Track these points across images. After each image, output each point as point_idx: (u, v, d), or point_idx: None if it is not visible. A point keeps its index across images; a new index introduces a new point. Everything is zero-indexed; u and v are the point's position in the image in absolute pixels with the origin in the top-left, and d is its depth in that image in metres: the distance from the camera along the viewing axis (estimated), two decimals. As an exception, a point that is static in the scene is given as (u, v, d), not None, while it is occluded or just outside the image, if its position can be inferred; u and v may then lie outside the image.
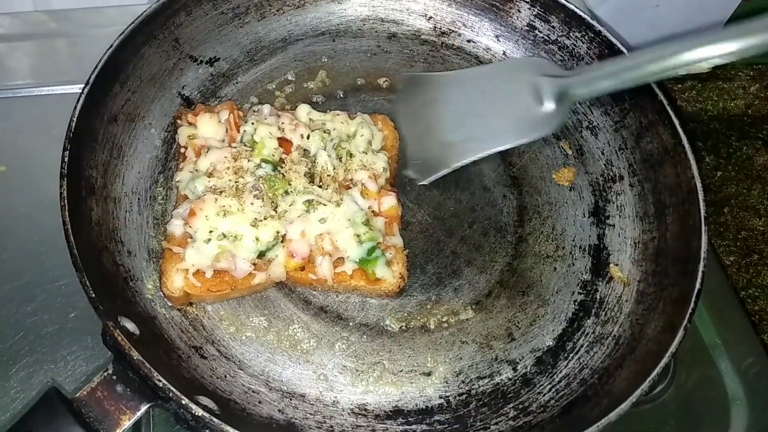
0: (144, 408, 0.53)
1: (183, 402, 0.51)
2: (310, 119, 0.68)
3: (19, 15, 0.83)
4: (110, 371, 0.53)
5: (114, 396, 0.52)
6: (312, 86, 0.75)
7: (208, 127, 0.66)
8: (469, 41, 0.80)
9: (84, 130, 0.62)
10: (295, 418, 0.58)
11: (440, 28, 0.80)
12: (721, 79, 0.91)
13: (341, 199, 0.63)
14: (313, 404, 0.59)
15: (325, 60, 0.77)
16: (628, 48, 0.73)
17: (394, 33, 0.80)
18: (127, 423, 0.52)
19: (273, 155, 0.64)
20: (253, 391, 0.59)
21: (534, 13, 0.77)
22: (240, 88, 0.74)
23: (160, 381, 0.51)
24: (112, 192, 0.64)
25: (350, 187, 0.65)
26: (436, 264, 0.67)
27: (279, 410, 0.58)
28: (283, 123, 0.66)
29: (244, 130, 0.66)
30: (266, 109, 0.68)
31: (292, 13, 0.78)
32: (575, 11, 0.75)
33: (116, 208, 0.64)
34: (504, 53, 0.79)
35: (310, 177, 0.65)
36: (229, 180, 0.63)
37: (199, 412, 0.51)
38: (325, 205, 0.62)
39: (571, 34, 0.76)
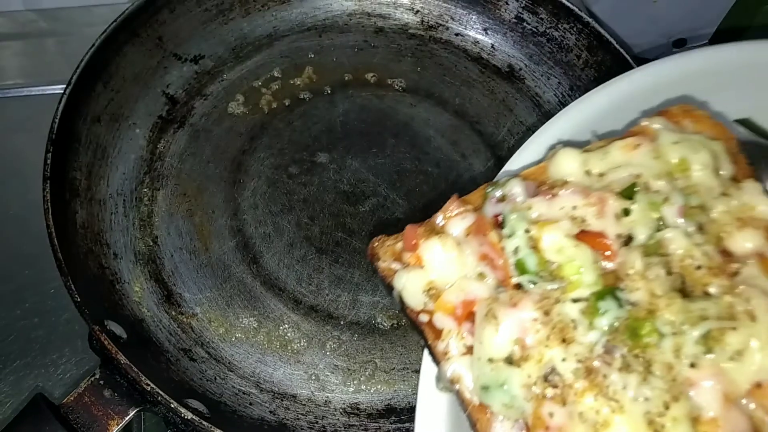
0: (132, 413, 0.52)
1: (172, 406, 0.50)
2: (587, 172, 0.39)
3: (8, 14, 0.83)
4: (97, 376, 0.52)
5: (102, 401, 0.52)
6: (299, 83, 0.74)
7: (445, 262, 0.38)
8: (457, 35, 0.79)
9: (67, 131, 0.61)
10: (287, 419, 0.58)
11: (428, 22, 0.80)
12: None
13: (747, 300, 0.34)
14: (304, 405, 0.59)
15: (312, 56, 0.76)
16: (617, 40, 0.72)
17: (381, 27, 0.79)
18: (115, 428, 0.51)
19: (598, 278, 0.36)
20: (243, 393, 0.58)
21: (522, 5, 0.77)
22: (225, 86, 0.73)
23: (148, 385, 0.50)
24: (96, 194, 0.63)
25: (735, 273, 0.36)
26: (426, 260, 0.66)
27: (270, 411, 0.58)
28: (574, 208, 0.37)
29: (515, 248, 0.37)
30: (516, 186, 0.39)
31: (278, 8, 0.77)
32: (563, 2, 0.74)
33: (101, 211, 0.63)
34: (492, 46, 0.79)
35: (677, 286, 0.36)
36: (564, 360, 0.34)
37: (189, 415, 0.50)
38: (733, 327, 0.33)
39: (559, 25, 0.76)
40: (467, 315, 0.37)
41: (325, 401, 0.59)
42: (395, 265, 0.40)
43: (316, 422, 0.58)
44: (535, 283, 0.36)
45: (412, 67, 0.77)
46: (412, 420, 0.59)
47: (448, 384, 0.37)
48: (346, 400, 0.59)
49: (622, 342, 0.34)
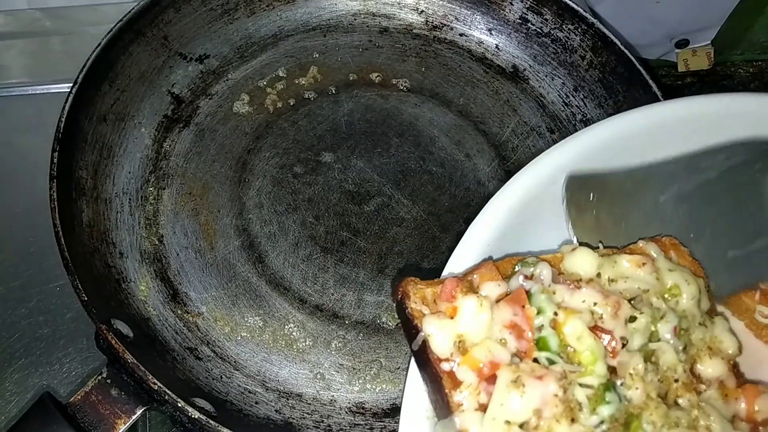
0: (139, 411, 0.52)
1: (179, 405, 0.50)
2: (598, 275, 0.43)
3: (13, 13, 0.83)
4: (104, 375, 0.53)
5: (109, 400, 0.52)
6: (303, 82, 0.75)
7: (477, 321, 0.40)
8: (461, 35, 0.79)
9: (73, 130, 0.61)
10: (293, 418, 0.58)
11: (432, 22, 0.80)
12: (721, 75, 0.91)
13: (707, 416, 0.41)
14: (310, 404, 0.59)
15: (317, 55, 0.76)
16: (621, 41, 0.72)
17: (386, 27, 0.79)
18: (122, 427, 0.51)
19: (607, 370, 0.40)
20: (249, 392, 0.58)
21: (526, 5, 0.77)
22: (231, 85, 0.73)
23: (155, 384, 0.50)
24: (102, 193, 0.64)
25: (700, 392, 0.42)
26: (431, 260, 0.66)
27: (276, 410, 0.58)
28: (595, 304, 0.41)
29: (540, 325, 0.40)
30: (545, 270, 0.42)
31: (282, 8, 0.78)
32: (567, 3, 0.74)
33: (107, 209, 0.63)
34: (497, 46, 0.79)
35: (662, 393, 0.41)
36: None
37: (196, 414, 0.50)
38: None
39: (563, 26, 0.76)
40: (490, 375, 0.39)
41: (331, 400, 0.59)
42: (424, 309, 0.42)
43: (322, 421, 0.58)
44: (552, 362, 0.40)
45: (417, 67, 0.77)
46: (417, 419, 0.59)
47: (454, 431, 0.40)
48: (352, 399, 0.60)
49: (615, 430, 0.39)
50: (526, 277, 0.42)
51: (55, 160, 0.58)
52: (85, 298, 0.52)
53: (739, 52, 0.91)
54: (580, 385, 0.39)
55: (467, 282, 0.43)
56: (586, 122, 0.75)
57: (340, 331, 0.62)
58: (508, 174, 0.72)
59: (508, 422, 0.38)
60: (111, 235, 0.62)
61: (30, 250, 0.68)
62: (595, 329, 0.41)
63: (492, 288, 0.42)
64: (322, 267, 0.64)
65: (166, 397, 0.50)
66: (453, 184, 0.71)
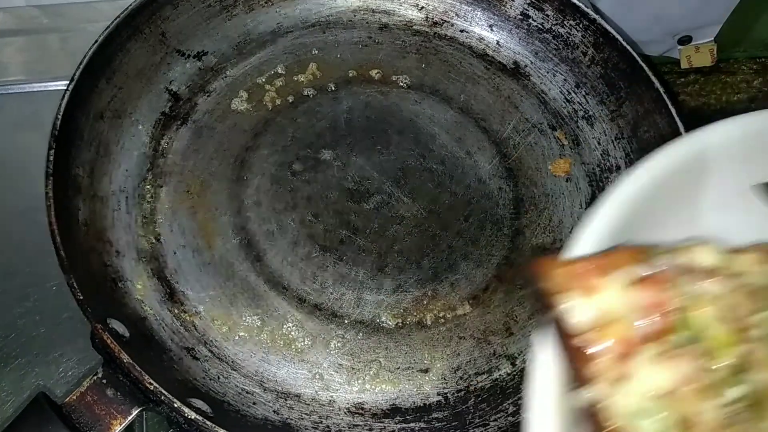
0: (135, 412, 0.51)
1: (175, 405, 0.50)
2: (724, 269, 0.45)
3: (10, 10, 0.82)
4: (100, 375, 0.52)
5: (104, 400, 0.51)
6: (302, 79, 0.74)
7: (616, 302, 0.42)
8: (462, 31, 0.79)
9: (70, 128, 0.60)
10: (291, 419, 0.57)
11: (432, 18, 0.79)
12: (724, 73, 0.91)
13: None
14: (308, 404, 0.58)
15: (316, 52, 0.76)
16: (624, 37, 0.72)
17: (386, 24, 0.79)
18: (118, 428, 0.51)
19: (737, 356, 0.43)
20: (247, 392, 0.58)
21: (527, 1, 0.76)
22: (229, 82, 0.73)
23: (151, 384, 0.50)
24: (99, 191, 0.63)
25: None
26: (431, 259, 0.66)
27: (274, 411, 0.57)
28: (724, 294, 0.43)
29: (677, 308, 0.42)
30: (680, 258, 0.44)
31: (281, 4, 0.77)
32: (569, -1, 0.74)
33: (104, 208, 0.63)
34: (498, 42, 0.78)
35: None
36: (703, 413, 0.40)
37: (192, 415, 0.50)
38: None
39: (565, 22, 0.75)
40: (624, 351, 0.41)
41: (330, 401, 0.59)
42: (561, 288, 0.43)
43: (321, 422, 0.58)
44: (687, 342, 0.41)
45: (417, 63, 0.77)
46: (417, 420, 0.59)
47: (587, 404, 0.41)
48: (351, 400, 0.59)
49: (747, 408, 0.40)
50: (662, 263, 0.44)
51: (52, 158, 0.57)
52: (81, 297, 0.52)
53: (742, 49, 0.91)
54: (714, 367, 0.41)
55: (605, 263, 0.44)
56: (588, 119, 0.74)
57: (339, 330, 0.61)
58: (510, 171, 0.71)
59: (643, 396, 0.40)
60: (107, 234, 0.62)
61: (26, 249, 0.67)
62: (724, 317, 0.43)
63: (630, 271, 0.43)
64: (321, 266, 0.64)
65: (163, 397, 0.50)
66: (453, 182, 0.70)
